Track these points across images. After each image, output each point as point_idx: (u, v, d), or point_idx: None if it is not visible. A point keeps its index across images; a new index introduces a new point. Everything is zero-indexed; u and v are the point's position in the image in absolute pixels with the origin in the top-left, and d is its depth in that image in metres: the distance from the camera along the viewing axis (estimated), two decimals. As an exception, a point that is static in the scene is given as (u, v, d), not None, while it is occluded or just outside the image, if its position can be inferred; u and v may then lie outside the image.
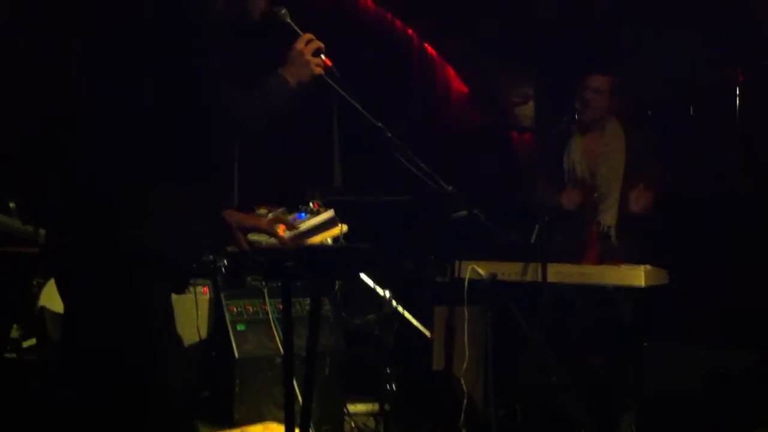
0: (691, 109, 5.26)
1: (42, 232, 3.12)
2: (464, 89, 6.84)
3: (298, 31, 2.39)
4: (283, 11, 2.38)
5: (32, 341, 3.67)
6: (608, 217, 4.29)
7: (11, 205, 3.44)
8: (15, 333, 3.63)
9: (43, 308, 3.57)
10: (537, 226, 3.74)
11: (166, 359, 2.12)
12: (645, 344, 4.08)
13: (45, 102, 4.02)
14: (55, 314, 3.49)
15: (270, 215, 2.56)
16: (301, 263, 2.51)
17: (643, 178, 4.19)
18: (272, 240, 2.46)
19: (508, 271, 3.89)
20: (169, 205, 2.09)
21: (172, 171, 2.09)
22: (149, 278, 2.07)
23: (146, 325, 2.08)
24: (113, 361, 2.06)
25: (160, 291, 2.11)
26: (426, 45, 6.59)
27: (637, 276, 3.71)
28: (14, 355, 3.61)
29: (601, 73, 4.31)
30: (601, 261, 4.13)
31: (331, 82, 2.40)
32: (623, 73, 4.57)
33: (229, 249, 2.54)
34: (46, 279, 3.63)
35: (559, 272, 3.80)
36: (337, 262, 2.59)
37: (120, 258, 2.04)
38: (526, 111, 6.73)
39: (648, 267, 3.75)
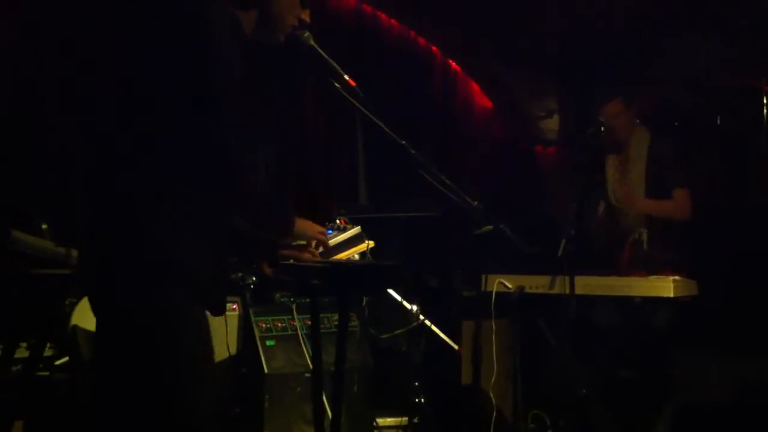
0: (718, 119, 5.24)
1: (74, 253, 3.17)
2: (488, 104, 6.85)
3: (323, 54, 2.41)
4: (307, 34, 2.39)
5: (65, 359, 3.72)
6: (638, 223, 4.30)
7: (44, 227, 3.49)
8: (48, 352, 3.68)
9: (75, 327, 3.62)
10: (563, 239, 3.74)
11: (196, 378, 2.14)
12: (676, 355, 4.06)
13: (73, 127, 4.11)
14: (87, 333, 3.54)
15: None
16: (328, 280, 2.53)
17: (666, 181, 4.21)
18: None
19: (536, 284, 3.90)
20: (194, 225, 2.12)
21: (195, 193, 2.13)
22: (178, 297, 2.10)
23: (176, 344, 2.10)
24: (144, 380, 2.09)
25: (190, 310, 2.14)
26: (449, 61, 6.62)
27: (666, 287, 3.70)
28: (47, 373, 3.66)
29: (609, 100, 4.34)
30: (632, 267, 4.13)
31: (355, 102, 2.43)
32: (647, 82, 4.58)
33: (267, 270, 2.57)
34: (78, 299, 3.69)
35: (587, 284, 3.80)
36: (364, 278, 2.61)
37: (147, 277, 2.08)
38: (551, 125, 6.73)
39: (677, 278, 3.74)
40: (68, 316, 3.67)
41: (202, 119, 2.07)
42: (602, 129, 4.12)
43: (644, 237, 4.26)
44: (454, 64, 6.65)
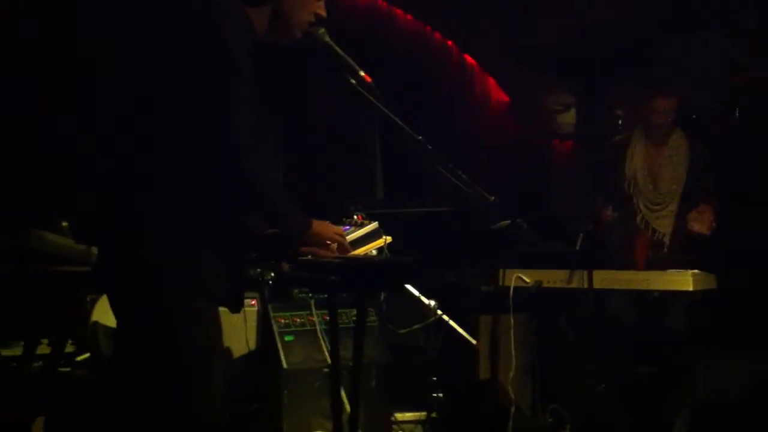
0: (736, 111, 5.21)
1: (94, 250, 3.20)
2: (505, 98, 6.84)
3: (339, 50, 2.41)
4: (321, 31, 2.38)
5: (86, 355, 3.76)
6: (663, 225, 4.28)
7: (64, 224, 3.53)
8: (69, 348, 3.72)
9: (95, 323, 3.66)
10: (581, 234, 3.74)
11: (210, 374, 2.16)
12: (695, 352, 4.04)
13: (91, 123, 4.14)
14: (107, 329, 3.57)
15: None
16: (345, 276, 2.54)
17: (702, 191, 4.19)
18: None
19: (553, 278, 3.90)
20: (204, 225, 2.14)
21: (205, 194, 2.14)
22: (190, 295, 2.12)
23: (184, 342, 2.11)
24: (159, 375, 2.12)
25: (199, 309, 2.14)
26: (465, 56, 6.61)
27: (685, 281, 3.69)
28: (68, 368, 3.70)
29: (664, 94, 4.32)
30: (648, 267, 4.11)
31: (371, 98, 2.43)
32: (663, 78, 4.56)
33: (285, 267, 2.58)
34: (98, 295, 3.72)
35: (605, 279, 3.79)
36: (381, 274, 2.61)
37: (155, 278, 2.10)
38: (567, 118, 6.71)
39: (696, 271, 3.73)
40: (89, 312, 3.70)
41: (210, 119, 2.08)
42: (619, 123, 4.11)
43: (666, 239, 4.25)
44: (470, 59, 6.64)
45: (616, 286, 3.81)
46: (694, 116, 5.18)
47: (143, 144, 2.16)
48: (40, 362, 3.52)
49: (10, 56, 4.12)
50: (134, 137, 2.20)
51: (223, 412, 2.18)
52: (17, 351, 3.49)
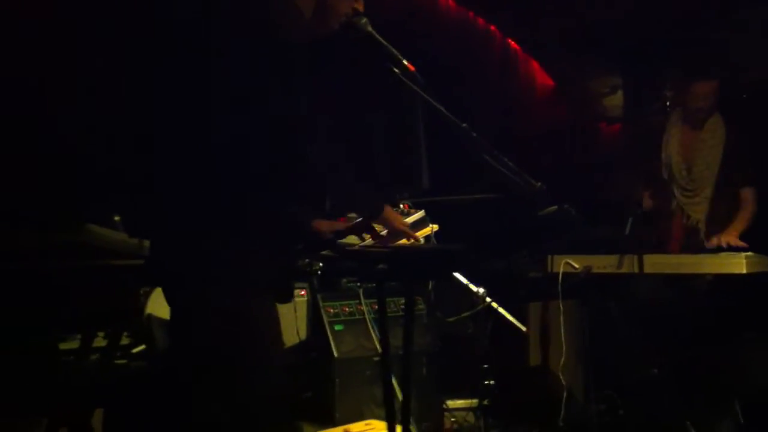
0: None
1: (146, 244, 3.25)
2: (550, 82, 6.77)
3: (381, 40, 2.42)
4: (364, 20, 2.40)
5: (141, 347, 3.83)
6: (698, 212, 4.21)
7: (116, 218, 3.59)
8: (125, 340, 3.79)
9: (149, 316, 3.72)
10: (630, 218, 3.70)
11: (266, 363, 2.19)
12: (748, 335, 3.97)
13: (143, 120, 4.19)
14: (161, 321, 3.64)
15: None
16: (393, 265, 2.55)
17: (736, 177, 4.12)
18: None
19: (603, 264, 3.85)
20: (255, 222, 2.16)
21: (258, 188, 2.16)
22: (242, 289, 2.15)
23: (247, 332, 2.15)
24: (216, 365, 2.15)
25: (252, 302, 2.17)
26: (509, 41, 6.55)
27: (738, 263, 3.62)
28: (125, 361, 3.77)
29: (704, 79, 4.25)
30: (684, 251, 4.05)
31: (415, 87, 2.43)
32: (708, 61, 4.48)
33: (324, 253, 2.60)
34: (152, 288, 3.79)
35: (656, 263, 3.74)
36: (429, 262, 2.62)
37: (211, 274, 2.13)
38: (615, 101, 6.62)
39: (750, 254, 3.66)
40: (143, 305, 3.77)
41: (266, 115, 2.10)
42: (667, 105, 4.05)
43: (701, 226, 4.18)
44: (513, 43, 6.58)
45: (668, 271, 3.76)
46: (744, 95, 5.08)
47: (193, 140, 2.18)
48: (97, 355, 3.59)
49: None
50: (181, 133, 2.23)
51: (281, 403, 2.21)
52: (74, 344, 3.57)
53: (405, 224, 2.49)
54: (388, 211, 2.41)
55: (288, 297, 2.33)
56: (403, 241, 2.55)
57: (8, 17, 4.05)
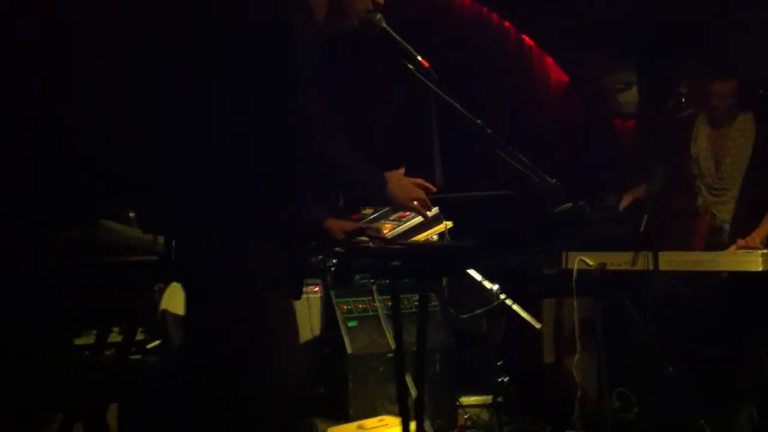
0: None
1: (160, 240, 3.26)
2: (564, 78, 6.75)
3: (395, 36, 2.42)
4: (378, 16, 2.40)
5: (156, 343, 3.84)
6: (724, 211, 4.17)
7: (131, 215, 3.60)
8: (140, 336, 3.81)
9: (164, 311, 3.74)
10: (645, 215, 3.68)
11: (281, 359, 2.19)
12: (764, 334, 3.95)
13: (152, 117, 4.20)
14: (176, 317, 3.65)
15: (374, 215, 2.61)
16: (407, 262, 2.55)
17: (765, 178, 4.08)
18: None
19: (618, 260, 3.84)
20: (266, 220, 2.17)
21: (268, 187, 2.17)
22: (255, 286, 2.15)
23: (257, 330, 2.16)
24: (231, 361, 2.16)
25: (267, 296, 2.18)
26: (524, 36, 6.53)
27: (754, 261, 3.60)
28: (140, 356, 3.79)
29: (722, 78, 4.20)
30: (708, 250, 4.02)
31: (429, 83, 2.43)
32: (725, 58, 4.44)
33: (338, 250, 2.61)
34: (167, 284, 3.80)
35: (671, 260, 3.72)
36: (443, 259, 2.62)
37: (223, 269, 2.14)
38: (629, 97, 6.59)
39: (766, 251, 3.64)
40: (157, 301, 3.79)
41: (279, 110, 2.11)
42: (683, 101, 4.02)
43: (726, 227, 4.14)
44: (528, 39, 6.56)
45: (683, 268, 3.73)
46: (761, 91, 5.03)
47: (203, 137, 2.19)
48: (112, 350, 3.61)
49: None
50: (193, 131, 2.23)
51: (296, 399, 2.21)
52: (90, 339, 3.58)
53: (417, 181, 2.48)
54: (393, 179, 2.39)
55: (298, 294, 2.33)
56: (419, 237, 2.55)
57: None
